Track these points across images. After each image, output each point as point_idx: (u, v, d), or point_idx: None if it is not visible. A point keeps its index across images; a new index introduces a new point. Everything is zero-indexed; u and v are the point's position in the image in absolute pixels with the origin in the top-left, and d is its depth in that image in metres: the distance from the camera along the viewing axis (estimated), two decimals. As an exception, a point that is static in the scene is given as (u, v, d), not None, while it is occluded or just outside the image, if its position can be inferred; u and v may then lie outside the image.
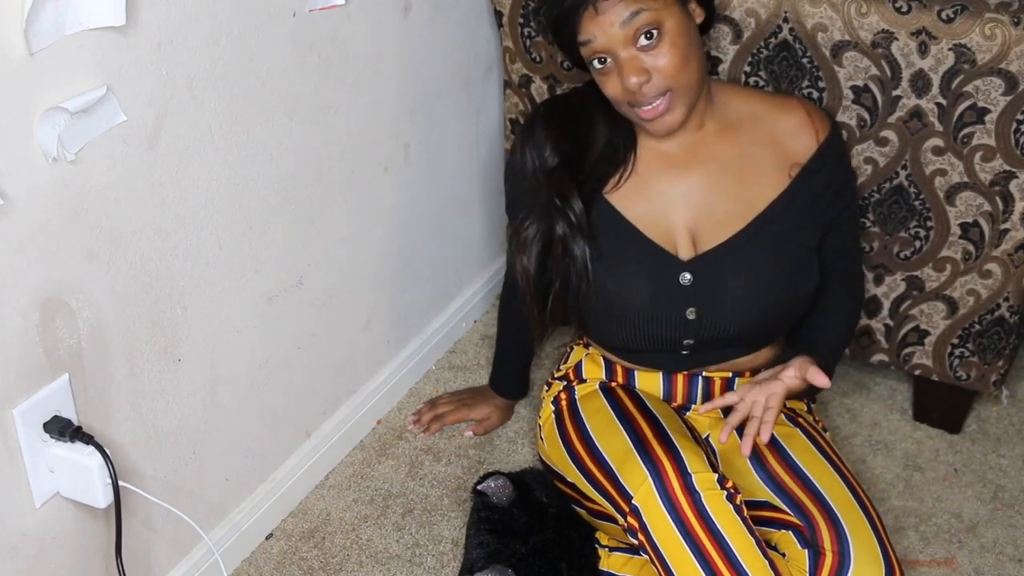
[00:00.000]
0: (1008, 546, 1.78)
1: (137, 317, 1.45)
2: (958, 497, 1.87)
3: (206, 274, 1.55)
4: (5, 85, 1.19)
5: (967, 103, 1.66)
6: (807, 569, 1.48)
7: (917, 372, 1.94)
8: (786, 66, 1.74)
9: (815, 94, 1.74)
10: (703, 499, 1.43)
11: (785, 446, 1.60)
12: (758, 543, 1.44)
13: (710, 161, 1.60)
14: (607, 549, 1.69)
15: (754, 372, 1.68)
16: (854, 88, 1.72)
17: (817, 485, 1.54)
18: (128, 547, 1.49)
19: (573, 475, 1.62)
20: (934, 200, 1.76)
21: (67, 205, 1.31)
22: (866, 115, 1.73)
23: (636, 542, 1.48)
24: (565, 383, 1.74)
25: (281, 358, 1.75)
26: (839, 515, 1.49)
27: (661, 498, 1.44)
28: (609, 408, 1.62)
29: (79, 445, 1.37)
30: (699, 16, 1.55)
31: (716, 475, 1.46)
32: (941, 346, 1.89)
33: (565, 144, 1.61)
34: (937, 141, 1.71)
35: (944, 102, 1.67)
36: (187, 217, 1.49)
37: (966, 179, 1.72)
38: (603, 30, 1.47)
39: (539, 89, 1.99)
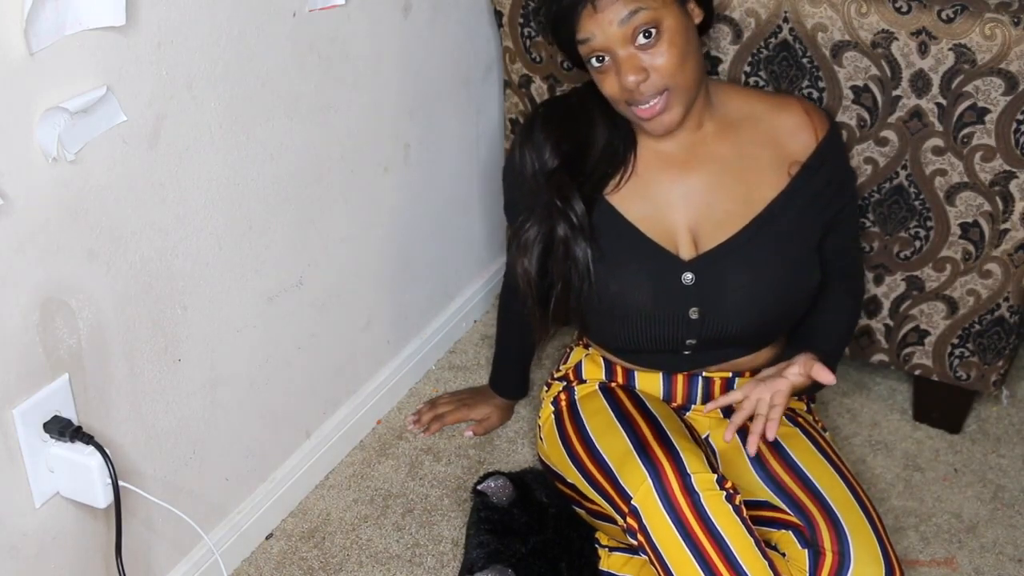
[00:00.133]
0: (1008, 546, 1.78)
1: (137, 317, 1.45)
2: (958, 497, 1.87)
3: (206, 274, 1.55)
4: (5, 85, 1.19)
5: (967, 103, 1.66)
6: (807, 569, 1.48)
7: (917, 372, 1.94)
8: (786, 66, 1.75)
9: (815, 94, 1.74)
10: (702, 499, 1.43)
11: (785, 446, 1.60)
12: (757, 543, 1.44)
13: (710, 161, 1.60)
14: (607, 549, 1.69)
15: (754, 372, 1.68)
16: (854, 88, 1.72)
17: (817, 485, 1.54)
18: (128, 547, 1.49)
19: (573, 475, 1.62)
20: (934, 200, 1.76)
21: (67, 205, 1.31)
22: (866, 115, 1.73)
23: (635, 543, 1.48)
24: (565, 383, 1.74)
25: (281, 358, 1.75)
26: (839, 515, 1.49)
27: (660, 499, 1.44)
28: (609, 409, 1.62)
29: (79, 445, 1.37)
30: (698, 16, 1.55)
31: (715, 475, 1.46)
32: (941, 346, 1.89)
33: (565, 145, 1.61)
34: (937, 141, 1.71)
35: (944, 102, 1.67)
36: (187, 217, 1.49)
37: (966, 179, 1.72)
38: (602, 28, 1.47)
39: (539, 89, 1.99)
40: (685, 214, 1.59)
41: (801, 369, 1.57)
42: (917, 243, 1.81)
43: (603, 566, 1.68)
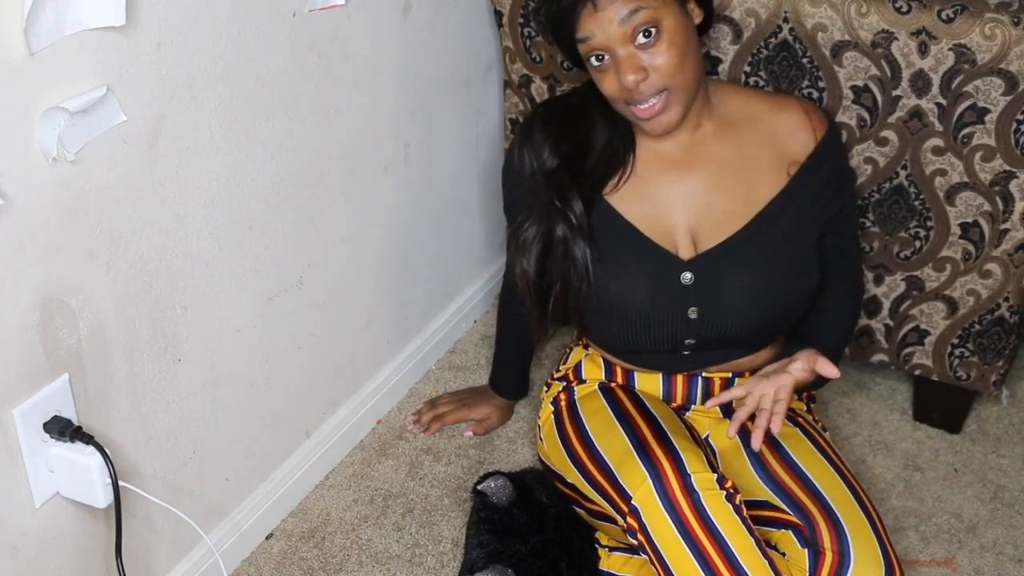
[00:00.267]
0: (1008, 546, 1.78)
1: (137, 317, 1.45)
2: (958, 497, 1.87)
3: (206, 274, 1.55)
4: (5, 85, 1.19)
5: (967, 103, 1.66)
6: (807, 568, 1.48)
7: (917, 372, 1.94)
8: (786, 66, 1.75)
9: (815, 94, 1.74)
10: (702, 499, 1.43)
11: (785, 446, 1.60)
12: (757, 543, 1.44)
13: (709, 161, 1.60)
14: (607, 549, 1.69)
15: (754, 373, 1.68)
16: (854, 88, 1.72)
17: (817, 485, 1.54)
18: (128, 547, 1.49)
19: (572, 475, 1.62)
20: (934, 200, 1.76)
21: (67, 205, 1.31)
22: (866, 115, 1.73)
23: (635, 542, 1.48)
24: (564, 384, 1.74)
25: (281, 358, 1.75)
26: (839, 515, 1.49)
27: (660, 498, 1.44)
28: (608, 409, 1.62)
29: (79, 445, 1.37)
30: (698, 17, 1.55)
31: (715, 475, 1.46)
32: (941, 346, 1.89)
33: (564, 145, 1.61)
34: (937, 141, 1.71)
35: (944, 102, 1.67)
36: (187, 217, 1.49)
37: (966, 179, 1.72)
38: (601, 27, 1.47)
39: (539, 89, 1.99)
40: (684, 214, 1.59)
41: (804, 364, 1.57)
42: (917, 243, 1.81)
43: (603, 566, 1.68)
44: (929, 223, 1.78)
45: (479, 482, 1.73)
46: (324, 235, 1.77)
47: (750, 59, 1.77)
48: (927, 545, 1.79)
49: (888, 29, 1.65)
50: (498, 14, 1.97)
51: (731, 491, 1.46)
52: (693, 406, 1.70)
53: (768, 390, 1.56)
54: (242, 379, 1.68)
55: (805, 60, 1.72)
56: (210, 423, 1.64)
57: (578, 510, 1.68)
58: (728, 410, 1.67)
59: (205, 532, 1.59)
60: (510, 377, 1.98)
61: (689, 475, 1.44)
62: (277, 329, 1.72)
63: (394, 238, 1.96)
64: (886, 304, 1.89)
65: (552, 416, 1.71)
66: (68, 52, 1.24)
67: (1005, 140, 1.67)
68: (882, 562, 1.45)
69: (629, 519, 1.47)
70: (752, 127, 1.62)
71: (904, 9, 1.64)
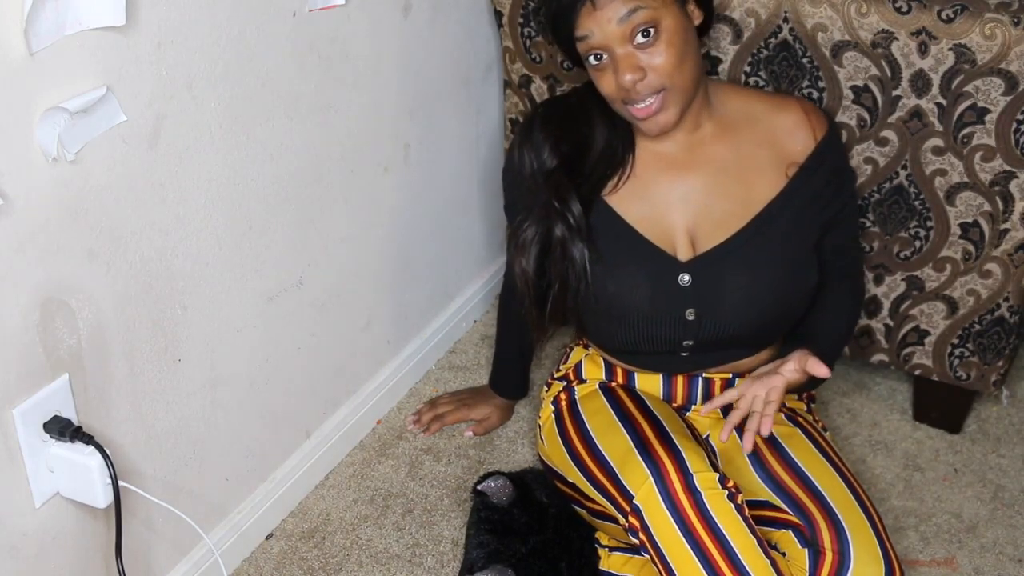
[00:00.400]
0: (1008, 546, 1.78)
1: (137, 317, 1.45)
2: (958, 497, 1.87)
3: (206, 274, 1.55)
4: (5, 85, 1.19)
5: (967, 103, 1.66)
6: (807, 568, 1.48)
7: (917, 372, 1.94)
8: (786, 66, 1.75)
9: (815, 94, 1.74)
10: (704, 499, 1.43)
11: (785, 446, 1.60)
12: (759, 542, 1.44)
13: (708, 162, 1.60)
14: (607, 549, 1.69)
15: (754, 373, 1.68)
16: (854, 88, 1.72)
17: (817, 485, 1.54)
18: (128, 547, 1.49)
19: (573, 475, 1.62)
20: (934, 200, 1.76)
21: (67, 205, 1.31)
22: (866, 115, 1.73)
23: (637, 542, 1.48)
24: (565, 383, 1.74)
25: (281, 358, 1.75)
26: (839, 514, 1.49)
27: (662, 498, 1.44)
28: (609, 408, 1.62)
29: (79, 445, 1.37)
30: (697, 18, 1.55)
31: (717, 475, 1.46)
32: (941, 346, 1.89)
33: (564, 146, 1.61)
34: (937, 141, 1.71)
35: (944, 102, 1.67)
36: (187, 217, 1.49)
37: (966, 179, 1.72)
38: (600, 26, 1.47)
39: (539, 89, 1.99)
40: (683, 215, 1.59)
41: (796, 365, 1.57)
42: (917, 243, 1.81)
43: (603, 566, 1.68)
44: (929, 223, 1.78)
45: (479, 482, 1.73)
46: (324, 235, 1.77)
47: (750, 59, 1.77)
48: (927, 545, 1.79)
49: (888, 29, 1.65)
50: (498, 14, 1.97)
51: (733, 491, 1.46)
52: (693, 406, 1.70)
53: (760, 392, 1.56)
54: (242, 379, 1.68)
55: (805, 60, 1.72)
56: (210, 423, 1.64)
57: (579, 510, 1.68)
58: (728, 410, 1.67)
59: (205, 532, 1.59)
60: (510, 377, 1.98)
61: (691, 474, 1.44)
62: (277, 329, 1.72)
63: (394, 238, 1.96)
64: (886, 304, 1.89)
65: (553, 416, 1.71)
66: (68, 52, 1.24)
67: (1005, 140, 1.67)
68: (882, 562, 1.45)
69: (631, 518, 1.47)
70: (751, 127, 1.61)
71: (904, 9, 1.64)
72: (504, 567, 1.63)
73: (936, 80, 1.66)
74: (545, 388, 1.80)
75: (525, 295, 1.63)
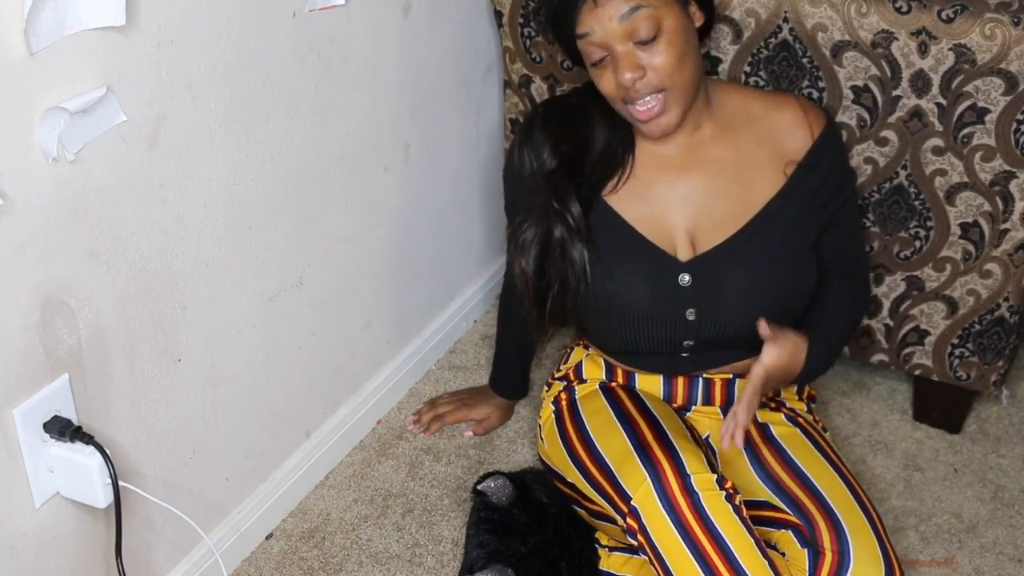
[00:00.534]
0: (1008, 546, 1.78)
1: (137, 317, 1.45)
2: (958, 497, 1.87)
3: (206, 274, 1.55)
4: (5, 85, 1.19)
5: (967, 103, 1.66)
6: (807, 568, 1.48)
7: (917, 372, 1.94)
8: (786, 66, 1.75)
9: (815, 94, 1.74)
10: (702, 500, 1.43)
11: (785, 446, 1.60)
12: (757, 543, 1.44)
13: (708, 163, 1.60)
14: (607, 549, 1.69)
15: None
16: (854, 88, 1.72)
17: (816, 485, 1.54)
18: (128, 547, 1.49)
19: (573, 475, 1.62)
20: (934, 200, 1.76)
21: (67, 205, 1.31)
22: (866, 115, 1.73)
23: (635, 543, 1.48)
24: (565, 383, 1.74)
25: (281, 358, 1.75)
26: (839, 514, 1.49)
27: (660, 499, 1.44)
28: (609, 408, 1.62)
29: (79, 445, 1.37)
30: (699, 19, 1.55)
31: (715, 476, 1.46)
32: (941, 346, 1.89)
33: (564, 146, 1.61)
34: (937, 141, 1.71)
35: (944, 102, 1.67)
36: (187, 217, 1.49)
37: (966, 179, 1.72)
38: (601, 24, 1.47)
39: (539, 89, 1.99)
40: (683, 216, 1.59)
41: (770, 345, 1.52)
42: (917, 243, 1.81)
43: (603, 566, 1.68)
44: (929, 223, 1.78)
45: (479, 482, 1.73)
46: (324, 235, 1.77)
47: (750, 59, 1.77)
48: (927, 545, 1.79)
49: (888, 29, 1.65)
50: (498, 14, 1.97)
51: (731, 491, 1.46)
52: (694, 406, 1.70)
53: (746, 386, 1.54)
54: (242, 379, 1.68)
55: (805, 60, 1.72)
56: (210, 423, 1.64)
57: (578, 510, 1.68)
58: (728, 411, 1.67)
59: (205, 532, 1.59)
60: (510, 377, 1.98)
61: (689, 475, 1.44)
62: (277, 329, 1.72)
63: (394, 238, 1.96)
64: (886, 304, 1.89)
65: (553, 416, 1.71)
66: (68, 52, 1.24)
67: (1005, 140, 1.67)
68: (882, 562, 1.45)
69: (629, 519, 1.47)
70: (750, 127, 1.62)
71: (904, 9, 1.64)
72: (504, 567, 1.63)
73: (936, 80, 1.66)
74: (545, 388, 1.80)
75: (525, 295, 1.63)
